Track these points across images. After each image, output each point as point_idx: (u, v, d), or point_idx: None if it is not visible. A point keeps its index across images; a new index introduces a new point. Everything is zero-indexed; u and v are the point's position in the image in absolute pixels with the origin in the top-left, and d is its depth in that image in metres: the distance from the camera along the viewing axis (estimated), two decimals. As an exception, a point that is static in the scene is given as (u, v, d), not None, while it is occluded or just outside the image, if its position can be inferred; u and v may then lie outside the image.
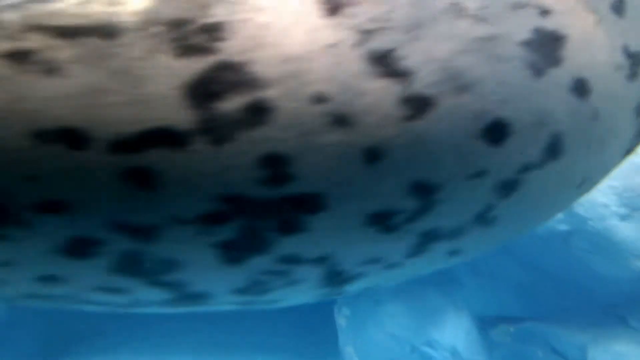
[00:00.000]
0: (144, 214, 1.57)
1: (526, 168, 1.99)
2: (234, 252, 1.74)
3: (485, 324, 7.15)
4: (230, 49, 1.57)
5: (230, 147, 1.54)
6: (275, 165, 1.58)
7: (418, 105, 1.66)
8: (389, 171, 1.70)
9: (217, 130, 1.51)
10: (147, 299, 1.95)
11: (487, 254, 6.81)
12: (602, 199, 6.03)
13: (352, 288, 2.16)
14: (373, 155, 1.65)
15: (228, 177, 1.57)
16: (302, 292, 2.10)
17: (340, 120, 1.60)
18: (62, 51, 1.51)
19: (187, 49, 1.53)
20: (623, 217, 6.06)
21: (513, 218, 2.22)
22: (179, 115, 1.48)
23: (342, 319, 7.66)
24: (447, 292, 7.05)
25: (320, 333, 8.71)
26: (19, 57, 1.52)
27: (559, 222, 6.12)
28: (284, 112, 1.54)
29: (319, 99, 1.57)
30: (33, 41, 1.54)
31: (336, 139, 1.60)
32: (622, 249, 6.19)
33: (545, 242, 6.27)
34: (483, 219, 2.06)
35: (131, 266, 1.73)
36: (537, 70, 1.85)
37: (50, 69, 1.48)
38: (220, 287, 1.97)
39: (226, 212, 1.60)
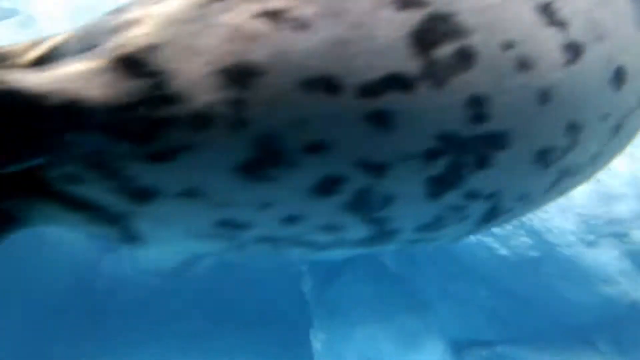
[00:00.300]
0: (380, 152, 1.77)
1: (631, 111, 2.30)
2: (436, 187, 1.95)
3: (459, 347, 7.20)
4: (439, 1, 1.81)
5: (446, 89, 1.78)
6: (477, 106, 1.82)
7: (574, 51, 1.96)
8: (555, 111, 1.96)
9: (436, 75, 1.75)
10: (352, 237, 2.10)
11: (459, 279, 6.91)
12: (570, 227, 6.17)
13: (491, 225, 2.42)
14: (545, 96, 1.91)
15: (444, 116, 1.80)
16: (462, 230, 2.34)
17: (523, 64, 1.85)
18: (306, 9, 1.73)
19: (405, 3, 1.77)
20: (590, 244, 6.20)
21: (606, 159, 2.55)
22: (407, 62, 1.71)
23: (317, 342, 7.60)
24: (421, 316, 7.07)
25: (296, 357, 8.63)
26: (272, 16, 1.74)
27: (529, 248, 6.24)
28: (483, 57, 1.79)
29: (508, 45, 1.82)
30: (278, 1, 1.76)
31: (520, 81, 1.86)
32: (589, 275, 6.32)
33: (516, 267, 6.38)
34: (594, 158, 2.34)
35: (359, 203, 1.90)
36: None
37: (302, 25, 1.70)
38: (412, 222, 2.15)
39: (440, 149, 1.83)
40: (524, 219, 6.17)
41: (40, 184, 1.70)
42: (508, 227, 6.20)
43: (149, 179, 1.61)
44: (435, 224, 2.15)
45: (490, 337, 7.16)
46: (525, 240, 6.23)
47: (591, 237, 6.19)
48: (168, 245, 2.09)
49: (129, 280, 10.26)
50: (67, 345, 9.73)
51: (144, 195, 1.65)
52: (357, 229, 2.01)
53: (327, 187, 1.78)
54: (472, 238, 6.48)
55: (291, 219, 1.86)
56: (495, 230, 6.27)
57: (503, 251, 6.30)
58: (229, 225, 1.83)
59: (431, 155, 1.86)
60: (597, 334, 6.81)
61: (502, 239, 6.27)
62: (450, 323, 7.09)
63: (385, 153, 1.79)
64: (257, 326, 9.32)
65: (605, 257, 6.23)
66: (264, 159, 1.62)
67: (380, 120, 1.73)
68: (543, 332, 6.96)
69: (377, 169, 1.81)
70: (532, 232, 6.24)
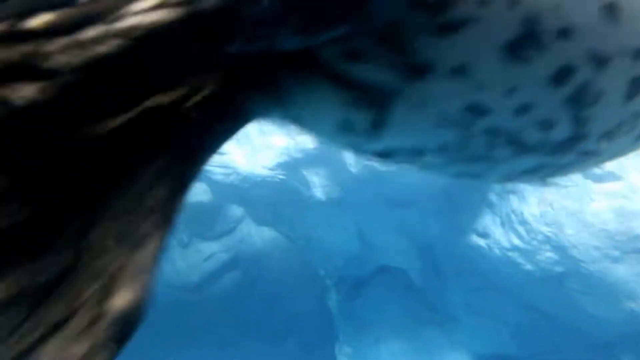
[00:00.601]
0: (607, 45, 1.57)
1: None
2: (634, 89, 1.91)
3: (483, 361, 7.23)
4: None
5: None
6: None
7: None
8: None
9: None
10: (553, 139, 1.96)
11: (484, 293, 6.93)
12: (595, 243, 6.18)
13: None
14: None
15: None
16: (626, 145, 2.26)
17: None
18: None
19: None
20: (615, 260, 6.21)
21: None
22: None
23: (343, 356, 7.63)
24: (446, 330, 7.08)
25: None
26: None
27: (554, 264, 6.26)
28: None
29: None
30: None
31: None
32: (614, 290, 6.32)
33: (541, 283, 6.40)
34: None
35: (577, 98, 1.83)
36: None
37: None
38: (601, 127, 1.93)
39: None
40: (549, 234, 6.19)
41: (313, 63, 1.57)
42: (533, 243, 6.23)
43: (430, 53, 1.52)
44: (614, 132, 2.18)
45: (514, 352, 7.16)
46: (551, 255, 6.25)
47: (616, 253, 6.19)
48: (407, 136, 2.01)
49: (154, 293, 10.39)
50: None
51: (419, 71, 1.57)
52: (563, 129, 1.97)
53: (561, 76, 1.70)
54: (497, 252, 6.51)
55: (524, 109, 1.78)
56: (521, 245, 6.30)
57: (528, 266, 6.33)
58: (474, 111, 1.74)
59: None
60: (621, 349, 6.78)
61: (528, 254, 6.30)
62: (475, 337, 7.11)
63: (610, 46, 1.68)
64: (283, 339, 9.36)
65: (630, 273, 6.23)
66: (525, 39, 1.53)
67: (613, 11, 1.61)
68: (567, 347, 6.95)
69: (601, 61, 1.69)
70: (558, 248, 6.26)
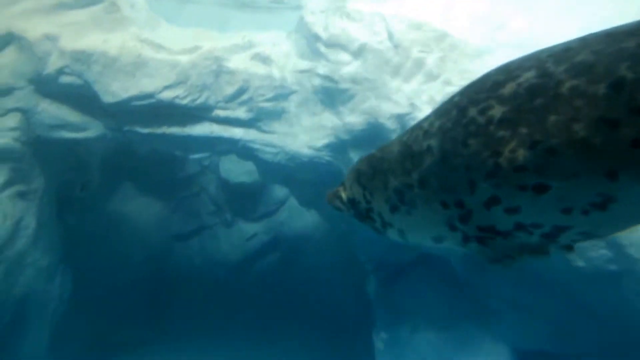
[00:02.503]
0: None
1: None
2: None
3: (522, 357, 6.80)
4: None
5: None
6: None
7: None
8: None
9: None
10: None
11: (531, 288, 6.50)
12: (654, 241, 5.72)
13: None
14: None
15: None
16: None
17: None
18: None
19: None
20: (676, 260, 5.72)
21: None
22: None
23: (380, 342, 7.28)
24: (486, 324, 6.65)
25: (358, 355, 8.39)
26: None
27: (608, 262, 5.79)
28: None
29: None
30: None
31: None
32: (672, 292, 5.85)
33: (593, 280, 5.92)
34: None
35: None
36: None
37: None
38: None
39: None
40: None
41: None
42: (587, 238, 5.77)
43: None
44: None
45: (557, 350, 6.71)
46: (605, 252, 5.77)
47: (677, 253, 5.71)
48: None
49: (197, 269, 10.32)
50: (135, 327, 9.83)
51: None
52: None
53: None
54: (548, 247, 6.09)
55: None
56: (574, 240, 5.85)
57: (580, 263, 5.87)
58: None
59: None
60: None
61: (580, 250, 5.82)
62: (517, 333, 6.62)
63: None
64: (321, 322, 9.15)
65: (691, 275, 5.74)
66: None
67: None
68: (612, 347, 6.49)
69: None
70: (613, 245, 5.78)
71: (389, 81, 6.51)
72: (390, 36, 6.73)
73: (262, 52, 7.39)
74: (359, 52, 6.79)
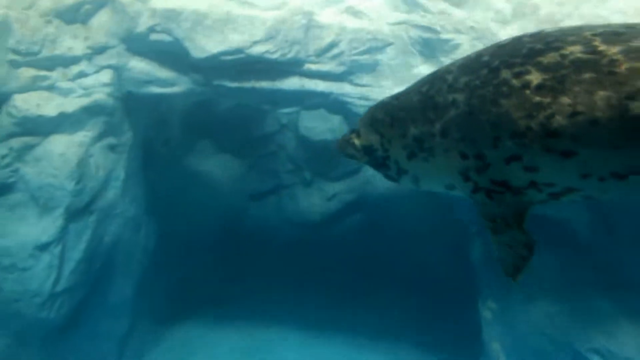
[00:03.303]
0: None
1: None
2: None
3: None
4: None
5: None
6: None
7: None
8: None
9: None
10: None
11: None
12: None
13: None
14: None
15: None
16: None
17: None
18: None
19: None
20: None
21: None
22: None
23: (487, 312, 6.77)
24: (613, 295, 5.88)
25: (461, 325, 7.96)
26: None
27: None
28: None
29: None
30: None
31: None
32: None
33: None
34: None
35: None
36: None
37: None
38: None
39: None
40: None
41: None
42: None
43: None
44: None
45: None
46: None
47: None
48: None
49: (274, 228, 10.24)
50: (212, 283, 9.92)
51: None
52: None
53: None
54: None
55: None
56: None
57: None
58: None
59: None
60: None
61: None
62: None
63: None
64: (414, 289, 8.81)
65: None
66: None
67: None
68: None
69: None
70: None
71: (499, 30, 6.14)
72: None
73: (354, 5, 7.14)
74: (463, 1, 6.43)
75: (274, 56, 6.92)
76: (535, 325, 6.20)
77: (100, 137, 7.52)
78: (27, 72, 7.23)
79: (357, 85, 7.11)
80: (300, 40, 6.97)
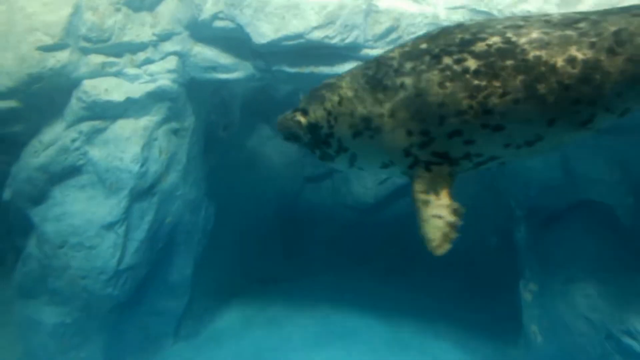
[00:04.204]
0: None
1: None
2: None
3: None
4: None
5: None
6: None
7: None
8: None
9: None
10: None
11: None
12: None
13: None
14: None
15: None
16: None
17: None
18: None
19: None
20: None
21: None
22: None
23: (527, 293, 6.72)
24: None
25: (501, 306, 7.90)
26: None
27: None
28: None
29: None
30: None
31: None
32: None
33: None
34: None
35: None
36: None
37: None
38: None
39: None
40: None
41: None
42: None
43: None
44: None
45: None
46: None
47: None
48: None
49: (328, 211, 10.24)
50: (268, 263, 10.01)
51: None
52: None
53: None
54: None
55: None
56: None
57: None
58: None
59: None
60: None
61: None
62: None
63: None
64: (459, 269, 8.73)
65: None
66: None
67: None
68: None
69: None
70: None
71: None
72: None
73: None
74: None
75: (333, 41, 6.81)
76: (574, 308, 6.16)
77: (164, 121, 7.63)
78: (97, 59, 7.38)
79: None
80: (359, 25, 6.84)
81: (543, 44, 3.36)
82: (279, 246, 10.09)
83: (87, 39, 7.30)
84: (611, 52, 3.32)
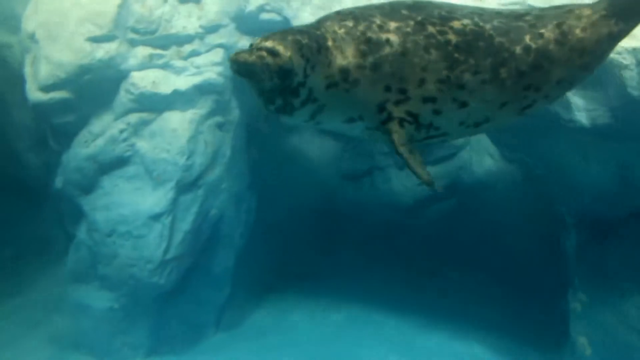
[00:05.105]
0: None
1: None
2: None
3: None
4: None
5: None
6: None
7: None
8: None
9: None
10: None
11: None
12: None
13: None
14: None
15: None
16: None
17: None
18: None
19: None
20: None
21: None
22: None
23: (576, 303, 6.46)
24: None
25: (547, 316, 7.59)
26: None
27: None
28: None
29: None
30: None
31: None
32: None
33: None
34: None
35: None
36: None
37: None
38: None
39: None
40: None
41: None
42: None
43: None
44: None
45: None
46: None
47: None
48: None
49: (368, 210, 10.10)
50: (306, 258, 9.95)
51: None
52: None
53: None
54: None
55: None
56: None
57: None
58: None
59: None
60: None
61: None
62: None
63: None
64: (502, 275, 8.47)
65: None
66: None
67: None
68: None
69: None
70: None
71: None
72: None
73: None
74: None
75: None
76: (627, 321, 5.92)
77: (209, 115, 7.61)
78: (144, 51, 7.39)
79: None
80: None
81: (503, 32, 3.61)
82: (318, 241, 10.01)
83: (135, 30, 7.31)
84: (557, 42, 3.67)
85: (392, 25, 3.56)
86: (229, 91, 7.80)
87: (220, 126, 7.76)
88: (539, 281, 8.02)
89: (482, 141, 9.12)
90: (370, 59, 3.50)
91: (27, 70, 7.32)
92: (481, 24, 3.64)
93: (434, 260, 9.52)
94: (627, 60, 5.14)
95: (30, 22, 7.41)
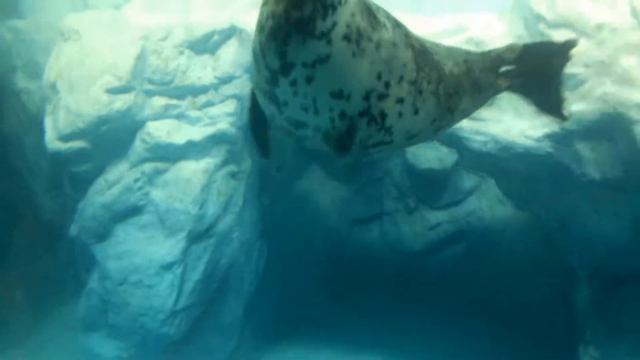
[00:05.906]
0: None
1: None
2: None
3: None
4: None
5: None
6: None
7: None
8: None
9: None
10: None
11: None
12: None
13: None
14: None
15: None
16: None
17: None
18: None
19: None
20: None
21: None
22: None
23: (587, 358, 6.34)
24: None
25: None
26: None
27: None
28: None
29: None
30: None
31: None
32: None
33: None
34: None
35: None
36: None
37: None
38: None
39: None
40: None
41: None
42: None
43: None
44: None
45: None
46: None
47: None
48: None
49: (376, 254, 10.04)
50: (316, 304, 9.86)
51: None
52: None
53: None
54: None
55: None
56: None
57: None
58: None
59: None
60: None
61: None
62: None
63: None
64: (509, 325, 8.38)
65: None
66: None
67: None
68: None
69: None
70: None
71: (634, 66, 5.61)
72: (635, 13, 5.86)
73: (476, 35, 6.84)
74: (592, 33, 5.98)
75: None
76: None
77: (222, 164, 7.67)
78: (160, 101, 7.51)
79: (472, 119, 6.78)
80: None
81: (436, 52, 3.80)
82: (328, 287, 9.93)
83: (151, 81, 7.45)
84: (466, 73, 4.02)
85: (381, 15, 3.49)
86: (241, 140, 7.87)
87: (233, 175, 7.82)
88: (549, 332, 7.85)
89: (492, 187, 9.09)
90: (375, 36, 3.29)
91: (47, 119, 7.46)
92: (423, 43, 3.81)
93: (443, 306, 9.40)
94: (637, 115, 5.17)
95: (52, 72, 7.59)
